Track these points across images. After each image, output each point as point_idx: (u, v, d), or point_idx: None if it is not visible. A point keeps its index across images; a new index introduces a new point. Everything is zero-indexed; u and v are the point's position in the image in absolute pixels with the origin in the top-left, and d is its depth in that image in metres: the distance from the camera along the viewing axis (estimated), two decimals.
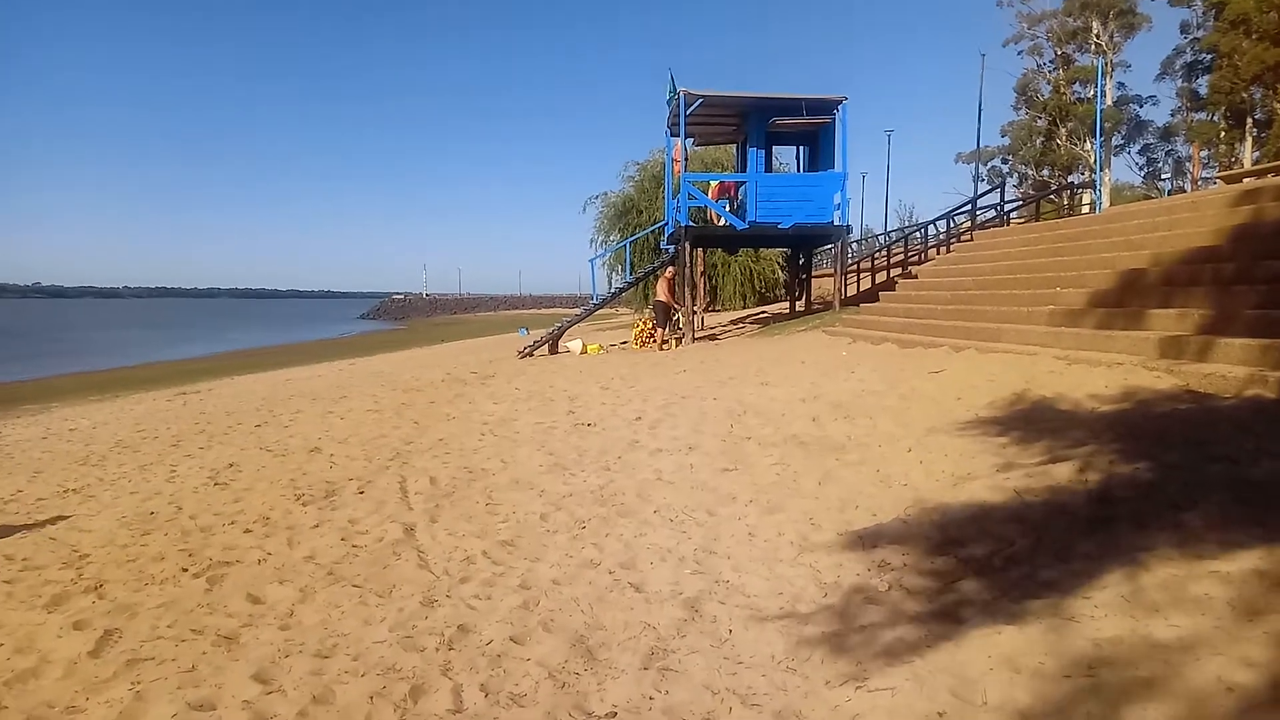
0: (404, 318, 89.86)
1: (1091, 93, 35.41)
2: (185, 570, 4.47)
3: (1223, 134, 35.17)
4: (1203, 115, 36.67)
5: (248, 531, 5.13)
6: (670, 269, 16.23)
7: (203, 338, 48.49)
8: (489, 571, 4.14)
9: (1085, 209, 27.05)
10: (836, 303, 16.32)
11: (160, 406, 12.56)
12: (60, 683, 3.26)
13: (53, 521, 5.74)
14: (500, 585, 3.94)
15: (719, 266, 27.34)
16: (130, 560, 4.72)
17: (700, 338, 16.68)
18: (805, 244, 18.73)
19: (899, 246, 23.35)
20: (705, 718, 2.65)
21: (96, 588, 4.29)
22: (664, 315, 15.91)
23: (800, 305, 19.25)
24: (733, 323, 20.73)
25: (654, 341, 15.91)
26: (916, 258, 20.63)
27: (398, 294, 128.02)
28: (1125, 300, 7.43)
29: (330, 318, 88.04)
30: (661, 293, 15.93)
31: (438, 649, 3.30)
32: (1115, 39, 36.94)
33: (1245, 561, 2.93)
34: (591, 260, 20.60)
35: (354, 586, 4.07)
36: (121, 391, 16.97)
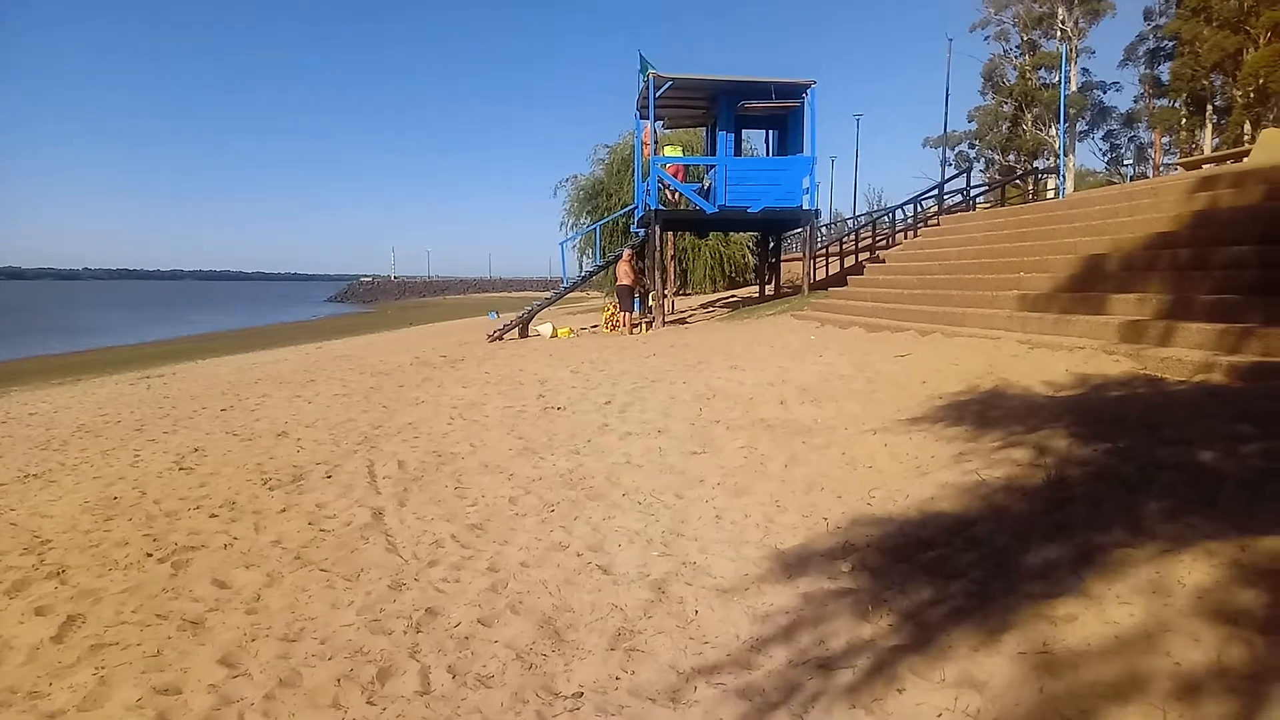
0: (372, 301, 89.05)
1: (1056, 78, 35.85)
2: (150, 555, 4.43)
3: (1184, 120, 35.83)
4: (1164, 102, 37.39)
5: (213, 516, 5.08)
6: (628, 250, 16.20)
7: (167, 320, 47.69)
8: (457, 555, 4.15)
9: (1049, 194, 27.42)
10: (805, 287, 16.45)
11: (123, 390, 12.35)
12: (22, 668, 3.23)
13: (13, 507, 5.64)
14: (468, 568, 3.95)
15: (689, 250, 27.40)
16: (93, 546, 4.66)
17: (670, 321, 16.73)
18: (774, 228, 18.81)
19: (867, 231, 23.52)
20: (671, 697, 2.69)
21: (59, 573, 4.25)
22: (627, 298, 15.87)
23: (770, 289, 19.36)
24: (702, 306, 20.80)
25: (623, 325, 15.91)
26: (884, 242, 20.82)
27: (365, 277, 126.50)
28: (1087, 285, 7.57)
29: (297, 300, 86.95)
30: (622, 275, 15.90)
31: (405, 632, 3.31)
32: (1080, 25, 37.36)
33: (1196, 543, 3.01)
34: (562, 243, 20.57)
35: (321, 570, 4.06)
36: (83, 375, 16.64)
